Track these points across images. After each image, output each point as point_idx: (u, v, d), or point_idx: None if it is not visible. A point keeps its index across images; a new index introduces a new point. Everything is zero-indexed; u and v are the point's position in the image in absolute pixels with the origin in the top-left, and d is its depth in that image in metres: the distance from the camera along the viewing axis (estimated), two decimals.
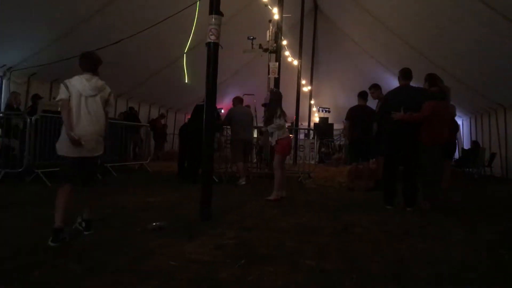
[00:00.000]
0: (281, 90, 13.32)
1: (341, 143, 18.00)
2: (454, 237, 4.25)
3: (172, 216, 4.76)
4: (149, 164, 11.22)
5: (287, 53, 13.89)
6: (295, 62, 14.78)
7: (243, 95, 9.88)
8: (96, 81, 3.86)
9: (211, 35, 4.45)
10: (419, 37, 11.89)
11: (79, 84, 3.76)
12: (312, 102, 19.96)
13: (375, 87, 7.97)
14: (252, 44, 9.77)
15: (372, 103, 8.24)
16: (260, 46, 9.72)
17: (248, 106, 11.50)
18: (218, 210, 5.08)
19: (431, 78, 5.96)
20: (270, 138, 6.53)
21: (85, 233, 3.86)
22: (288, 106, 15.94)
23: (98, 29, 9.22)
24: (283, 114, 6.40)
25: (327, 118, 19.37)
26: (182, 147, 9.12)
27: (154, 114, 16.34)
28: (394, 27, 12.88)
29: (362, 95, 8.20)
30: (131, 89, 13.83)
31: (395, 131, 5.84)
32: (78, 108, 3.73)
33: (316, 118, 20.54)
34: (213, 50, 4.48)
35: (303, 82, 17.48)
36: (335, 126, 19.18)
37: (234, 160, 8.71)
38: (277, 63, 9.66)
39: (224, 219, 4.74)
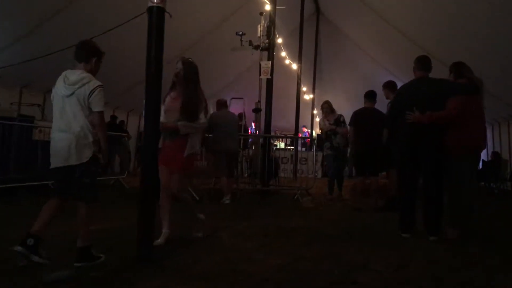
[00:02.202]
0: (279, 95, 12.13)
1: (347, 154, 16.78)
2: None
3: (107, 253, 3.41)
4: (128, 179, 9.89)
5: (283, 53, 12.59)
6: (294, 66, 13.48)
7: (231, 99, 8.59)
8: (78, 75, 3.19)
9: None
10: (429, 37, 10.65)
11: (58, 82, 3.25)
12: (315, 112, 18.84)
13: (389, 86, 6.60)
14: (241, 40, 8.51)
15: (383, 106, 6.91)
16: (250, 43, 8.45)
17: (240, 115, 10.26)
18: (175, 243, 3.74)
19: (458, 68, 4.60)
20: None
21: (75, 264, 3.07)
22: (289, 114, 15.01)
23: (65, 27, 7.96)
24: (206, 106, 4.06)
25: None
26: None
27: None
28: (402, 27, 11.68)
29: (369, 96, 6.86)
30: (115, 97, 12.58)
31: (411, 138, 4.49)
32: (56, 111, 3.24)
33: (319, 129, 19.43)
34: (156, 16, 3.17)
35: (304, 89, 16.19)
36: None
37: (217, 175, 7.35)
38: (270, 62, 8.37)
39: (177, 258, 3.36)
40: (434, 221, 4.37)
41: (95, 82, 3.17)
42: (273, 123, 8.83)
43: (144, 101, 3.24)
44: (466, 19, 8.62)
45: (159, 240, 3.74)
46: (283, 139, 16.72)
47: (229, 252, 3.66)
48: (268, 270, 3.16)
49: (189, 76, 3.92)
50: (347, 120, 7.29)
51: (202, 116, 3.92)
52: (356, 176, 7.05)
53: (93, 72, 3.32)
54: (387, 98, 6.63)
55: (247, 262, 3.36)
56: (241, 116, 10.49)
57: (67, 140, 3.12)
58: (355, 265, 3.34)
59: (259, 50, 8.46)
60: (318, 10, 16.94)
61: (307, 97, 17.04)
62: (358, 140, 6.70)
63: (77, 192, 3.17)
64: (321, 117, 8.78)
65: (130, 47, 9.24)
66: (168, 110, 3.45)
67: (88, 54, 3.31)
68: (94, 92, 3.11)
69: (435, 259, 3.59)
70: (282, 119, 15.29)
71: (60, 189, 3.26)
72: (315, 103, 18.04)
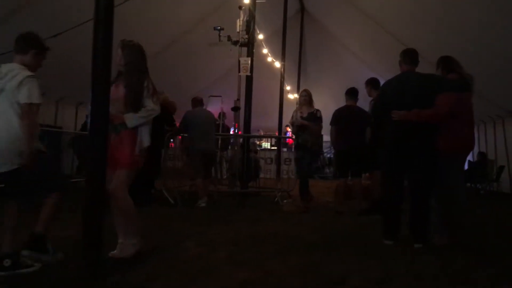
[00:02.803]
0: (262, 94, 11.90)
1: (331, 155, 16.47)
2: None
3: (53, 265, 2.99)
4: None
5: (265, 51, 12.20)
6: (278, 64, 13.08)
7: (209, 96, 8.15)
8: (8, 67, 2.88)
9: None
10: (415, 35, 10.37)
11: None
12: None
13: (372, 83, 6.25)
14: (220, 36, 8.10)
15: (365, 104, 6.59)
16: (229, 38, 8.05)
17: (221, 115, 9.86)
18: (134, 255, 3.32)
19: (447, 62, 4.27)
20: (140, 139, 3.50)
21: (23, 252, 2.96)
22: (274, 114, 14.59)
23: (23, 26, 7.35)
24: (154, 91, 3.44)
25: None
26: None
27: None
28: (389, 26, 11.40)
29: (351, 93, 6.51)
30: (77, 93, 11.84)
31: (398, 137, 4.14)
32: None
33: None
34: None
35: (288, 88, 15.82)
36: (325, 138, 17.71)
37: (192, 176, 6.93)
38: (249, 58, 7.97)
39: (129, 274, 2.94)
40: (420, 227, 4.04)
41: (25, 73, 2.76)
42: (257, 123, 8.46)
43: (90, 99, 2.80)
44: (453, 16, 8.37)
45: (114, 252, 3.31)
46: (268, 139, 16.36)
47: (192, 265, 3.25)
48: (231, 287, 2.77)
49: (130, 61, 3.39)
50: (328, 120, 6.75)
51: (149, 102, 3.35)
52: (338, 177, 6.69)
53: (32, 66, 2.96)
54: (370, 95, 6.30)
55: (209, 276, 2.96)
56: (221, 115, 10.12)
57: None
58: (332, 280, 2.97)
59: (238, 46, 8.06)
60: (302, 8, 16.59)
61: (291, 96, 16.68)
62: (340, 139, 6.35)
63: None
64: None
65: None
66: (111, 99, 3.03)
67: (26, 46, 2.97)
68: (22, 82, 2.70)
69: (420, 273, 3.22)
70: (268, 119, 14.90)
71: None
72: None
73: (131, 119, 3.28)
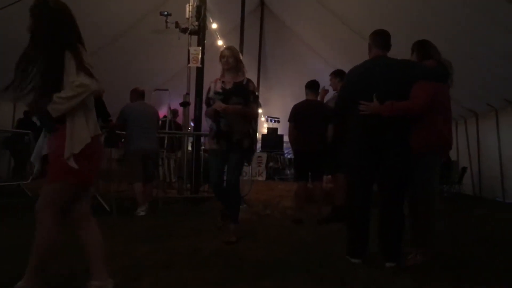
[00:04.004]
0: None
1: (292, 156, 15.95)
2: None
3: None
4: (32, 184, 8.27)
5: (221, 42, 11.39)
6: None
7: (155, 90, 7.26)
8: None
9: None
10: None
11: None
12: (260, 111, 17.92)
13: (340, 74, 5.52)
14: (167, 22, 7.24)
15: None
16: (177, 25, 7.19)
17: (175, 111, 8.96)
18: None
19: (423, 46, 3.60)
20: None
21: None
22: None
23: None
24: (81, 62, 2.32)
25: (276, 129, 17.35)
26: None
27: None
28: (352, 22, 10.92)
29: (311, 87, 5.81)
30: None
31: (367, 135, 3.44)
32: None
33: (264, 129, 18.53)
34: None
35: None
36: (285, 139, 17.21)
37: (130, 180, 6.00)
38: (200, 48, 7.15)
39: None
40: (393, 243, 3.35)
41: None
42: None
43: None
44: (423, 13, 7.87)
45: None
46: None
47: None
48: None
49: (37, 28, 2.40)
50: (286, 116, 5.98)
51: (75, 77, 2.29)
52: (298, 180, 5.94)
53: None
54: (335, 89, 5.64)
55: None
56: (175, 112, 9.24)
57: None
58: None
59: (187, 33, 7.22)
60: (262, 2, 15.92)
61: None
62: (299, 138, 5.62)
63: None
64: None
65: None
66: None
67: None
68: None
69: None
70: None
71: None
72: (259, 101, 17.03)
73: (54, 107, 2.29)
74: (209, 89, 4.40)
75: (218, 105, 4.13)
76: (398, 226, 3.38)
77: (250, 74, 15.19)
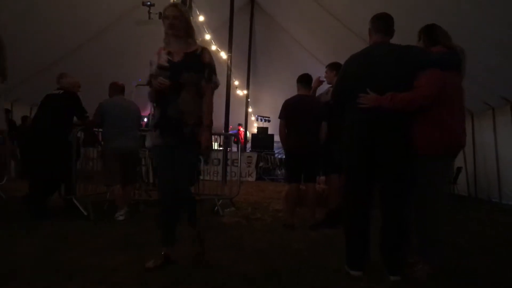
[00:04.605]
0: None
1: (283, 156, 15.58)
2: None
3: None
4: (9, 186, 7.77)
5: (208, 36, 10.96)
6: (224, 55, 11.87)
7: (136, 86, 6.80)
8: None
9: None
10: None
11: None
12: (250, 110, 17.53)
13: (337, 68, 4.92)
14: (150, 13, 6.80)
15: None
16: (161, 16, 6.73)
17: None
18: None
19: (431, 31, 3.22)
20: None
21: None
22: (217, 109, 13.32)
23: None
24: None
25: (266, 128, 17.01)
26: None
27: None
28: (343, 18, 10.58)
29: (304, 81, 5.38)
30: (14, 88, 10.33)
31: (366, 132, 3.04)
32: None
33: (254, 129, 18.17)
34: None
35: (236, 83, 14.69)
36: (276, 138, 16.86)
37: (108, 182, 5.54)
38: None
39: None
40: (397, 255, 2.96)
41: None
42: None
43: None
44: (416, 8, 7.53)
45: None
46: (216, 138, 15.16)
47: None
48: None
49: None
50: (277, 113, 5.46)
51: None
52: (289, 182, 5.51)
53: None
54: (330, 83, 5.24)
55: None
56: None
57: None
58: None
59: None
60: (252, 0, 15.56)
61: (240, 92, 15.56)
62: (291, 136, 5.21)
63: None
64: None
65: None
66: None
67: None
68: None
69: None
70: (214, 117, 13.72)
71: None
72: (249, 99, 16.63)
73: None
74: (150, 64, 3.24)
75: (161, 80, 3.04)
76: (401, 236, 2.99)
77: (240, 72, 14.91)
